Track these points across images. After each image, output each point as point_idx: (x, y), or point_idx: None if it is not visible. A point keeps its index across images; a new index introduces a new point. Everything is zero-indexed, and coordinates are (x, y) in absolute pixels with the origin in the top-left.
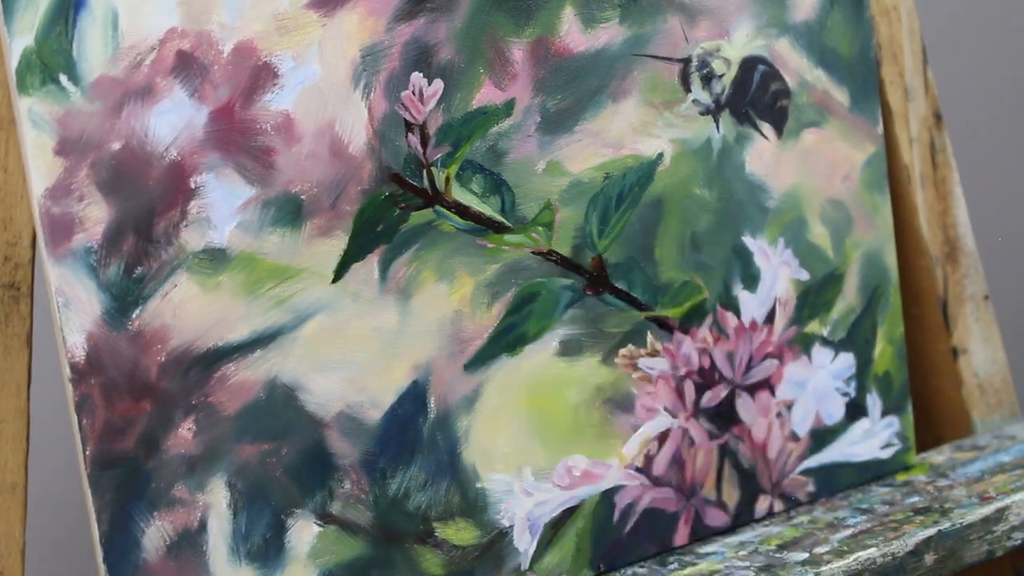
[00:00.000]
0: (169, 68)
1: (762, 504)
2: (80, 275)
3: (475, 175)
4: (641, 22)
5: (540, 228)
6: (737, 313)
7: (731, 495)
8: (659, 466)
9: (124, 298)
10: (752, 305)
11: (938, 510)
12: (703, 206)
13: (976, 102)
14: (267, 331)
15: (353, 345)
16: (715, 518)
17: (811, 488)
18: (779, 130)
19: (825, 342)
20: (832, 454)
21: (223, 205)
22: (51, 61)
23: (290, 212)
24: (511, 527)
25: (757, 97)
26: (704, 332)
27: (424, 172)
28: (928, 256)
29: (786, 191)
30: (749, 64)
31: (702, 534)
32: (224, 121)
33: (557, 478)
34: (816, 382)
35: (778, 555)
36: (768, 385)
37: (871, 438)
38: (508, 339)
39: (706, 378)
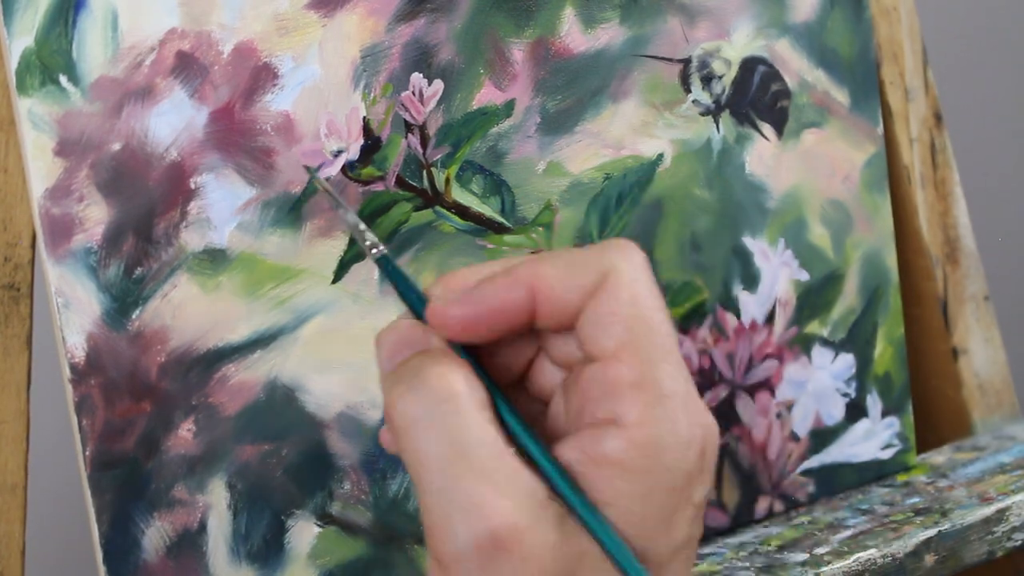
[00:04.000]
0: (169, 69)
1: (762, 505)
2: (80, 276)
3: (475, 176)
4: (641, 22)
5: (540, 229)
6: (737, 314)
7: (731, 495)
8: None
9: (124, 299)
10: (752, 306)
11: (938, 511)
12: (703, 207)
13: (976, 102)
14: (267, 332)
15: (353, 346)
16: (715, 519)
17: (811, 489)
18: (779, 131)
19: (825, 343)
20: (832, 455)
21: (223, 206)
22: (51, 62)
23: (290, 213)
24: None
25: (757, 98)
26: (704, 332)
27: (424, 173)
28: (928, 256)
29: (786, 192)
30: (749, 65)
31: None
32: (224, 122)
33: None
34: (816, 383)
35: (778, 556)
36: (768, 386)
37: (871, 439)
38: None
39: (706, 378)
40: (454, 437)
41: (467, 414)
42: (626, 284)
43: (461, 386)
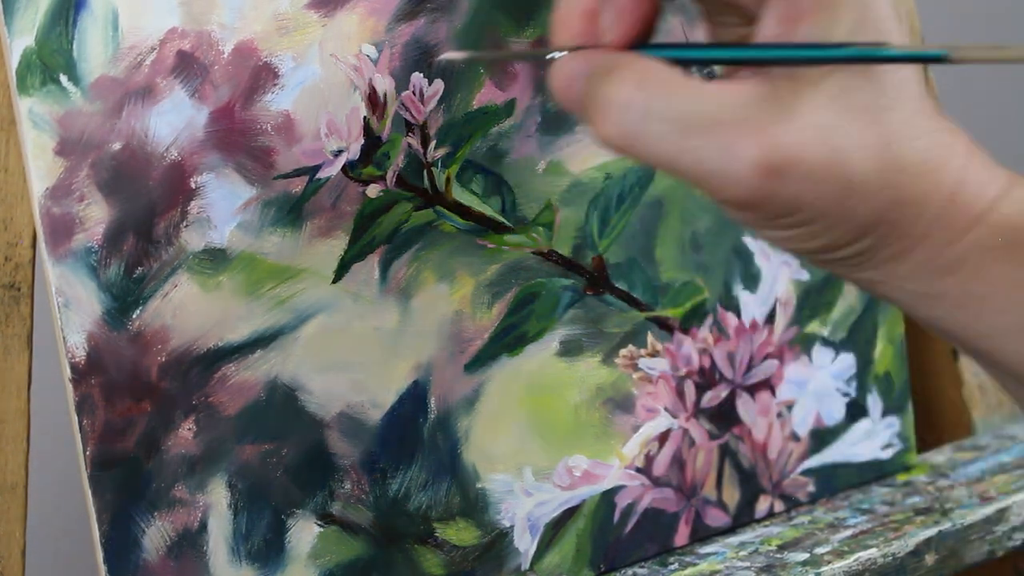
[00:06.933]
0: (169, 68)
1: (762, 504)
2: (80, 275)
3: (475, 175)
4: None
5: (540, 228)
6: (737, 313)
7: (731, 495)
8: (659, 466)
9: (124, 298)
10: (752, 305)
11: (939, 510)
12: (703, 206)
13: (976, 102)
14: (267, 331)
15: (353, 345)
16: (715, 518)
17: (811, 488)
18: None
19: (825, 342)
20: (832, 454)
21: (223, 205)
22: (51, 61)
23: (290, 212)
24: (511, 527)
25: None
26: (704, 332)
27: (424, 172)
28: None
29: None
30: None
31: (702, 534)
32: (224, 121)
33: (557, 478)
34: (816, 382)
35: (778, 555)
36: (768, 385)
37: (871, 438)
38: (508, 339)
39: (706, 378)
40: (674, 105)
41: (661, 72)
42: None
43: (655, 63)
